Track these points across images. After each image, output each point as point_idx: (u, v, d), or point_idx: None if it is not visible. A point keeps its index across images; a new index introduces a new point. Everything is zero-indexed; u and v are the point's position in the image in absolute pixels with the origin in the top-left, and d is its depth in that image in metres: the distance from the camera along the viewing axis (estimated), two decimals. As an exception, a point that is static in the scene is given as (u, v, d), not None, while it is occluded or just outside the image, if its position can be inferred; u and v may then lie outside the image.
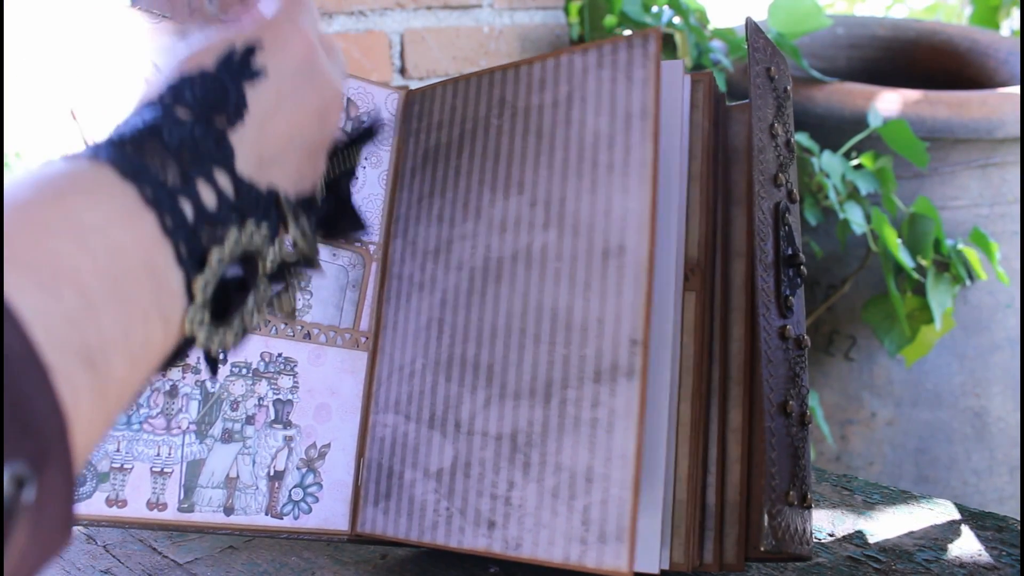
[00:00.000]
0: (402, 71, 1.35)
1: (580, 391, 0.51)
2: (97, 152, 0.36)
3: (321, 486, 0.60)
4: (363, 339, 0.62)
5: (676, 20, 1.46)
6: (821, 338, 1.50)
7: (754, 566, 0.59)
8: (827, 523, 0.65)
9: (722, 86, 1.42)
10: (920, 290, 1.37)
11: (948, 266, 1.38)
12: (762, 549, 0.47)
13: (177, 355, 0.38)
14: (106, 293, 0.31)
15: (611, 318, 0.51)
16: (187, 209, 0.37)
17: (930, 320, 1.35)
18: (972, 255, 1.39)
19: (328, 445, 0.61)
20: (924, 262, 1.35)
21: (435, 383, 0.57)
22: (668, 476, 0.52)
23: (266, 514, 0.59)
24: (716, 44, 1.53)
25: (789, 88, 0.58)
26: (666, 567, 0.51)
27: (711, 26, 1.53)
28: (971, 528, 0.64)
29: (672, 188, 0.54)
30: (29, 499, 0.26)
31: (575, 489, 0.50)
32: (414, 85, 1.35)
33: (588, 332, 0.51)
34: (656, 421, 0.51)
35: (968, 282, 1.42)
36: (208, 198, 0.38)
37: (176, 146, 0.38)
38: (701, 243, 0.54)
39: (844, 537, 0.63)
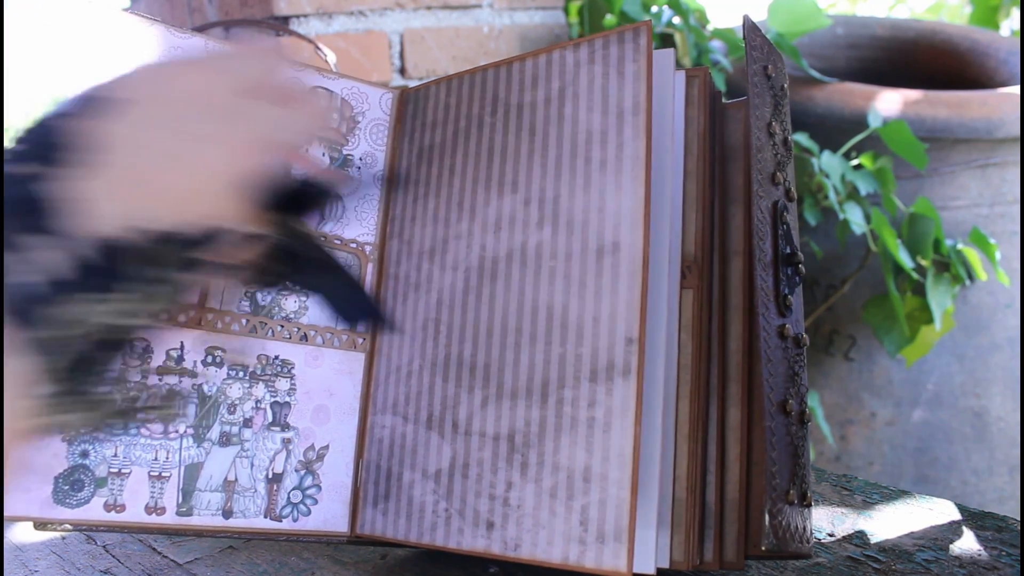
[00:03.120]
0: (402, 71, 1.35)
1: (577, 390, 0.51)
2: None
3: (320, 488, 0.60)
4: (360, 340, 0.62)
5: (676, 20, 1.46)
6: (821, 338, 1.50)
7: (754, 565, 0.59)
8: (827, 523, 0.65)
9: (721, 86, 1.42)
10: (920, 290, 1.36)
11: (948, 266, 1.38)
12: (763, 548, 0.47)
13: None
14: None
15: (606, 316, 0.51)
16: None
17: (930, 320, 1.35)
18: (972, 255, 1.39)
19: (326, 447, 0.61)
20: (924, 262, 1.35)
21: (432, 384, 0.57)
22: (667, 475, 0.52)
23: (265, 517, 0.59)
24: (716, 44, 1.53)
25: (786, 86, 0.57)
26: (666, 566, 0.51)
27: (711, 26, 1.53)
28: (971, 528, 0.64)
29: (666, 184, 0.54)
30: None
31: (573, 489, 0.50)
32: (414, 85, 1.34)
33: (584, 331, 0.51)
34: (653, 419, 0.51)
35: (968, 282, 1.42)
36: (52, 263, 0.38)
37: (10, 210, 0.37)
38: (698, 240, 0.54)
39: (844, 537, 0.63)
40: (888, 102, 1.40)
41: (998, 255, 1.38)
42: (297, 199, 0.46)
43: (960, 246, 1.39)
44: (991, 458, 1.48)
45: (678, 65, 0.57)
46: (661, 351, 0.52)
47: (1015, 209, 1.47)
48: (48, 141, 0.41)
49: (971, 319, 1.46)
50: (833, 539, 0.63)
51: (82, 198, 0.40)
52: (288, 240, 0.46)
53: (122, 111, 0.42)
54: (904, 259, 1.31)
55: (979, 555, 0.61)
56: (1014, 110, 1.40)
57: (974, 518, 0.66)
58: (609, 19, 1.47)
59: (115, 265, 0.40)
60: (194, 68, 0.45)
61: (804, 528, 0.51)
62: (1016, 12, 2.12)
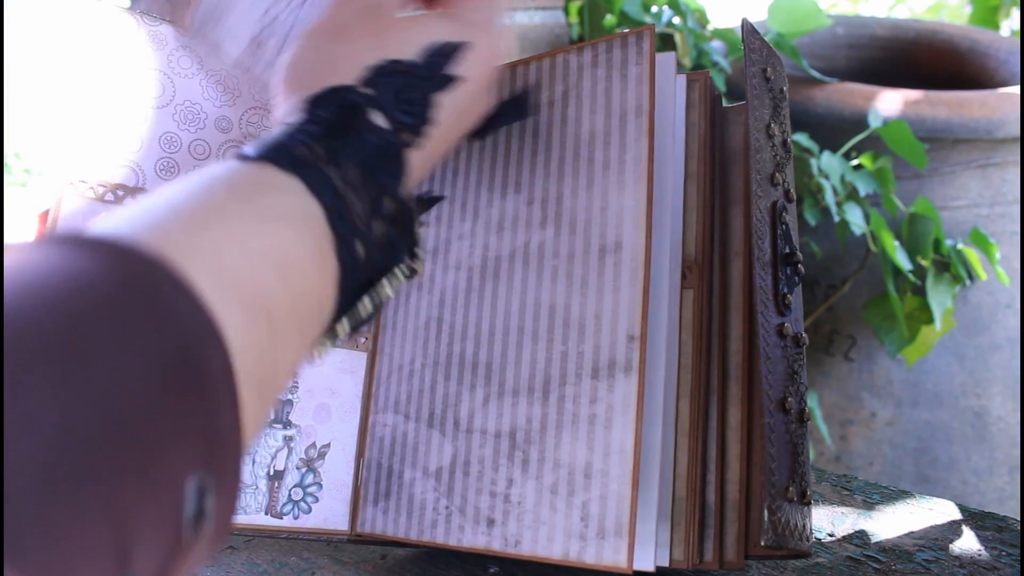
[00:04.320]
0: (402, 72, 1.34)
1: (578, 387, 0.51)
2: (313, 169, 0.36)
3: (321, 486, 0.60)
4: (362, 339, 0.62)
5: (675, 20, 1.46)
6: (821, 338, 1.50)
7: (754, 565, 0.59)
8: (827, 523, 0.65)
9: (721, 86, 1.42)
10: (920, 290, 1.37)
11: (948, 266, 1.38)
12: (762, 543, 0.47)
13: None
14: (289, 327, 0.32)
15: (608, 314, 0.51)
16: (359, 252, 0.37)
17: (930, 320, 1.35)
18: (972, 255, 1.39)
19: (328, 445, 0.61)
20: (924, 262, 1.35)
21: (434, 382, 0.57)
22: (667, 473, 0.52)
23: (266, 514, 0.59)
24: (715, 44, 1.53)
25: (785, 89, 0.58)
26: (666, 564, 0.51)
27: (710, 26, 1.54)
28: (971, 528, 0.64)
29: (668, 185, 0.54)
30: (210, 508, 0.26)
31: (574, 485, 0.50)
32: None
33: (586, 329, 0.51)
34: (654, 417, 0.51)
35: (968, 282, 1.42)
36: (377, 234, 0.39)
37: (368, 169, 0.38)
38: (698, 241, 0.54)
39: (844, 537, 0.63)
40: (888, 102, 1.41)
41: (998, 255, 1.39)
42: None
43: (960, 246, 1.39)
44: (991, 458, 1.48)
45: (679, 65, 0.58)
46: (662, 350, 0.52)
47: (1015, 209, 1.48)
48: (405, 99, 0.41)
49: (971, 319, 1.46)
50: (833, 539, 0.63)
51: (411, 167, 0.42)
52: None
53: (459, 90, 0.43)
54: (902, 261, 1.31)
55: (979, 555, 0.61)
56: (1014, 110, 1.41)
57: (974, 518, 0.66)
58: (609, 19, 1.47)
59: (410, 229, 0.41)
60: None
61: (804, 526, 0.52)
62: (1016, 12, 2.12)
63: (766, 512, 0.48)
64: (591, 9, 1.45)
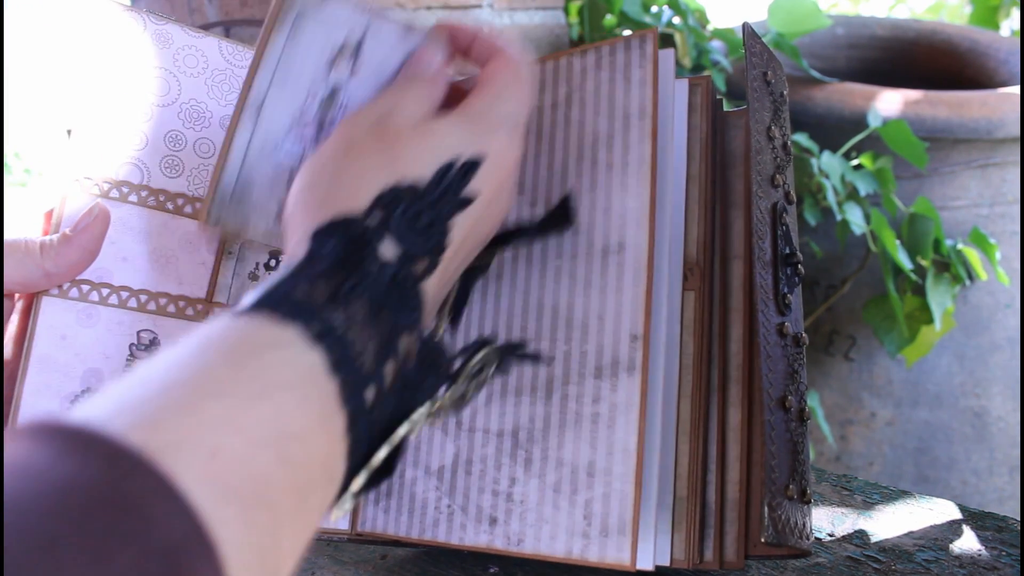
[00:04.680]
0: (402, 72, 1.35)
1: (581, 387, 0.51)
2: (310, 315, 0.33)
3: (322, 485, 0.60)
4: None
5: (676, 20, 1.46)
6: (821, 338, 1.50)
7: (754, 564, 0.59)
8: (827, 523, 0.65)
9: (721, 86, 1.43)
10: (920, 290, 1.37)
11: (948, 266, 1.38)
12: (763, 540, 0.48)
13: None
14: (292, 510, 0.30)
15: (611, 314, 0.51)
16: (369, 397, 0.34)
17: (930, 320, 1.35)
18: (972, 255, 1.39)
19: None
20: (924, 262, 1.35)
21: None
22: (668, 473, 0.52)
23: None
24: (715, 44, 1.53)
25: (785, 93, 0.58)
26: (667, 563, 0.52)
27: (710, 26, 1.54)
28: (971, 528, 0.64)
29: (670, 187, 0.54)
30: None
31: (577, 484, 0.50)
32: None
33: (589, 328, 0.52)
34: (656, 417, 0.52)
35: (968, 282, 1.42)
36: (388, 376, 0.35)
37: (378, 307, 0.36)
38: (700, 243, 0.55)
39: (844, 537, 0.63)
40: (888, 102, 1.41)
41: (998, 255, 1.39)
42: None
43: (960, 246, 1.39)
44: (991, 458, 1.48)
45: (678, 66, 0.58)
46: (664, 350, 0.53)
47: (1015, 209, 1.48)
48: (417, 227, 0.39)
49: (971, 319, 1.47)
50: (833, 539, 0.63)
51: (428, 295, 0.39)
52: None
53: (472, 208, 0.41)
54: (903, 260, 1.31)
55: (979, 555, 0.61)
56: (1014, 110, 1.41)
57: (974, 518, 0.66)
58: (609, 19, 1.47)
59: (436, 365, 0.39)
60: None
61: (804, 525, 0.52)
62: (1016, 12, 2.12)
63: (766, 509, 0.48)
64: (591, 9, 1.46)
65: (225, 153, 0.47)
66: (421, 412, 0.38)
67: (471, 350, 0.42)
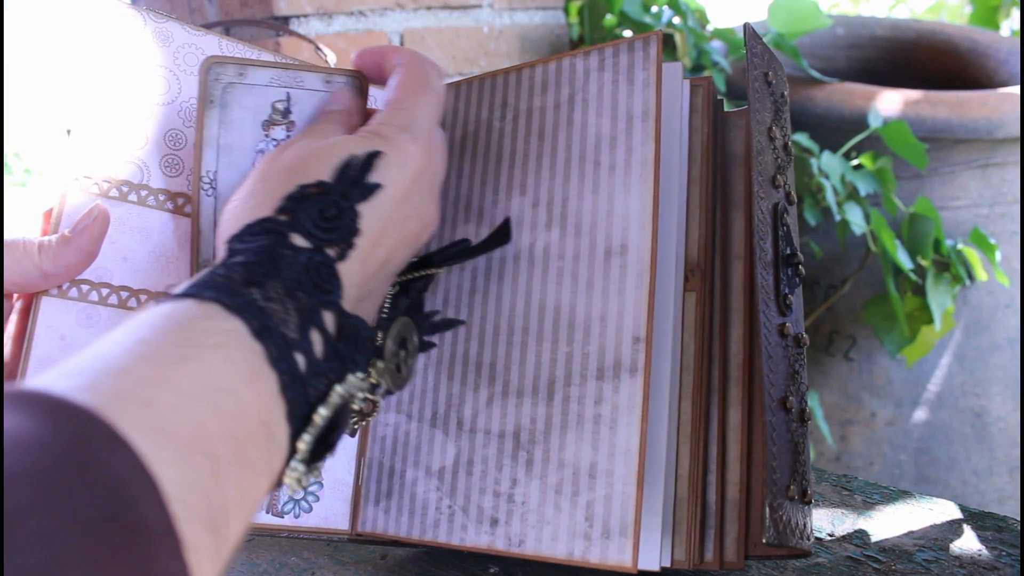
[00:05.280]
0: (402, 71, 1.35)
1: (583, 388, 0.51)
2: (228, 293, 0.37)
3: (322, 485, 0.60)
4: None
5: (676, 20, 1.46)
6: (821, 338, 1.50)
7: (754, 565, 0.59)
8: (827, 523, 0.65)
9: (721, 86, 1.43)
10: (920, 290, 1.37)
11: (948, 266, 1.38)
12: (763, 541, 0.48)
13: None
14: (231, 457, 0.33)
15: (614, 315, 0.51)
16: (300, 363, 0.38)
17: (930, 320, 1.35)
18: (972, 255, 1.39)
19: (329, 444, 0.61)
20: (924, 262, 1.35)
21: (437, 382, 0.57)
22: (669, 474, 0.52)
23: (267, 512, 0.59)
24: (715, 44, 1.53)
25: (786, 94, 0.58)
26: (667, 564, 0.52)
27: (710, 26, 1.54)
28: (971, 528, 0.64)
29: (673, 189, 0.54)
30: None
31: (578, 485, 0.50)
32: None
33: (591, 330, 0.52)
34: (657, 418, 0.52)
35: (968, 282, 1.42)
36: (317, 347, 0.39)
37: (294, 286, 0.39)
38: (701, 245, 0.55)
39: (844, 537, 0.63)
40: (888, 102, 1.41)
41: (998, 255, 1.39)
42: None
43: (960, 246, 1.39)
44: (991, 458, 1.48)
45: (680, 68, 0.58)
46: (667, 351, 0.53)
47: (1015, 209, 1.48)
48: (325, 217, 0.43)
49: (971, 319, 1.47)
50: (833, 539, 0.63)
51: (353, 284, 0.43)
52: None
53: (381, 197, 0.45)
54: (903, 260, 1.31)
55: (979, 555, 0.61)
56: (1014, 110, 1.41)
57: (974, 518, 0.66)
58: (609, 19, 1.47)
59: (356, 345, 0.42)
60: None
61: (804, 525, 0.52)
62: (1016, 12, 2.12)
63: (767, 510, 0.48)
64: (591, 9, 1.45)
65: (196, 231, 0.52)
66: (355, 380, 0.41)
67: (387, 324, 0.47)
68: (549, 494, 0.51)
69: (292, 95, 0.52)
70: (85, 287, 0.51)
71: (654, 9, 1.48)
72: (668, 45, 1.43)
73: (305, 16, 1.25)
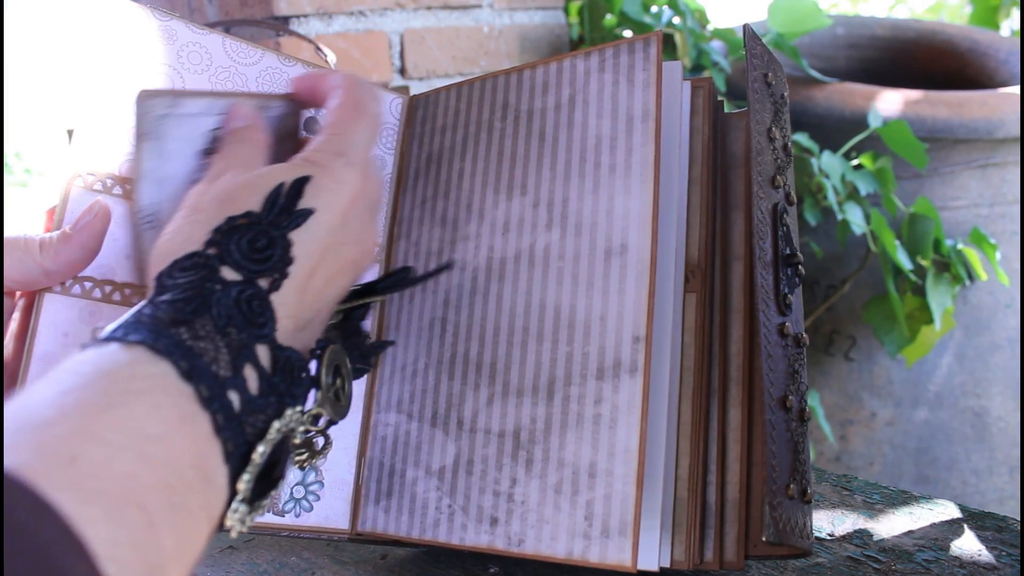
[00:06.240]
0: (402, 71, 1.35)
1: (583, 388, 0.51)
2: (155, 335, 0.36)
3: (322, 484, 0.60)
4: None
5: (675, 20, 1.46)
6: (821, 338, 1.50)
7: (753, 565, 0.59)
8: (827, 523, 0.65)
9: (721, 86, 1.43)
10: (920, 290, 1.37)
11: (948, 266, 1.39)
12: (764, 539, 0.48)
13: None
14: (165, 507, 0.32)
15: (614, 315, 0.51)
16: (235, 401, 0.37)
17: (930, 320, 1.35)
18: (972, 255, 1.39)
19: (329, 444, 0.61)
20: (924, 262, 1.35)
21: (438, 382, 0.57)
22: (669, 474, 0.52)
23: (268, 511, 0.59)
24: (715, 44, 1.53)
25: (786, 95, 0.58)
26: (667, 564, 0.52)
27: (710, 26, 1.54)
28: (971, 528, 0.64)
29: (673, 190, 0.54)
30: None
31: (578, 485, 0.50)
32: (414, 85, 1.35)
33: (591, 330, 0.52)
34: (657, 418, 0.52)
35: (968, 282, 1.42)
36: (252, 383, 0.38)
37: (225, 322, 0.38)
38: (701, 245, 0.55)
39: (844, 537, 0.63)
40: (888, 102, 1.41)
41: (998, 255, 1.39)
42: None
43: (960, 246, 1.39)
44: (991, 458, 1.48)
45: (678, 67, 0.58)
46: (666, 351, 0.53)
47: (1015, 209, 1.48)
48: (255, 247, 0.41)
49: (971, 319, 1.47)
50: (833, 539, 0.63)
51: (289, 315, 0.42)
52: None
53: (314, 223, 0.43)
54: (903, 261, 1.31)
55: (979, 555, 0.61)
56: (1014, 110, 1.41)
57: (974, 518, 0.66)
58: (609, 19, 1.47)
59: (293, 377, 0.41)
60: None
61: (804, 524, 0.52)
62: (1016, 12, 2.12)
63: (767, 508, 0.48)
64: (591, 9, 1.46)
65: (139, 268, 0.52)
66: (293, 414, 0.40)
67: (319, 353, 0.45)
68: (549, 493, 0.51)
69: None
70: (88, 284, 0.51)
71: (654, 9, 1.48)
72: (668, 45, 1.43)
73: (305, 16, 1.25)
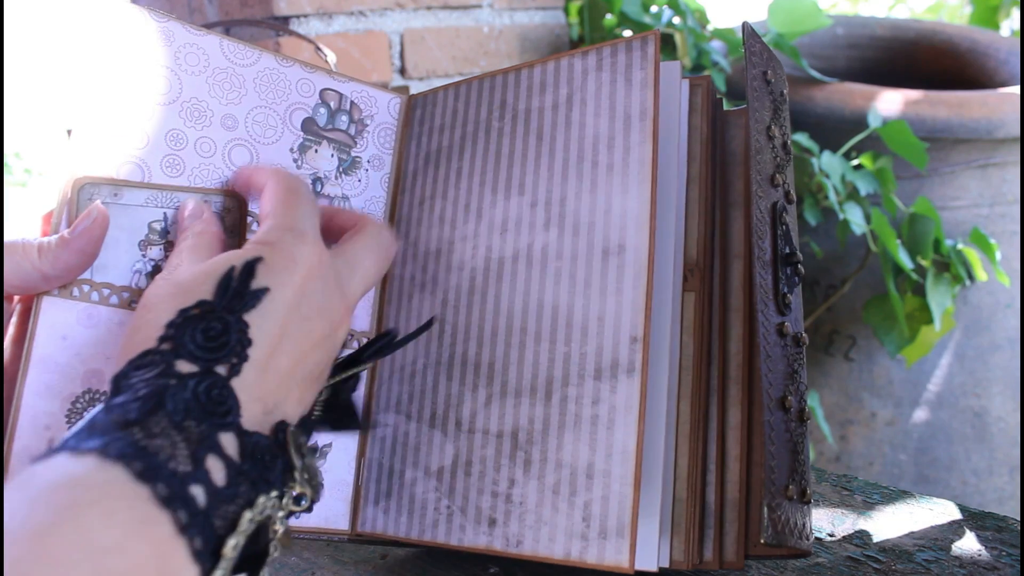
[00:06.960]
0: (402, 71, 1.35)
1: (581, 388, 0.51)
2: (106, 439, 0.35)
3: (323, 485, 0.60)
4: (364, 340, 0.62)
5: (675, 20, 1.46)
6: (821, 338, 1.50)
7: (753, 565, 0.59)
8: (827, 523, 0.65)
9: (721, 86, 1.43)
10: (920, 290, 1.37)
11: (948, 266, 1.38)
12: (762, 541, 0.48)
13: None
14: None
15: (611, 316, 0.51)
16: (199, 496, 0.36)
17: (930, 320, 1.35)
18: (972, 255, 1.39)
19: (329, 445, 0.61)
20: (924, 262, 1.35)
21: (436, 382, 0.57)
22: (668, 474, 0.52)
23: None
24: (715, 44, 1.53)
25: (785, 92, 0.58)
26: (666, 565, 0.51)
27: (710, 26, 1.54)
28: (971, 528, 0.64)
29: (671, 189, 0.54)
30: None
31: (576, 486, 0.50)
32: (414, 85, 1.35)
33: (589, 330, 0.52)
34: (656, 418, 0.51)
35: (968, 282, 1.42)
36: (217, 474, 0.37)
37: (182, 417, 0.37)
38: (700, 244, 0.55)
39: (844, 537, 0.63)
40: (888, 102, 1.41)
41: (998, 255, 1.39)
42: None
43: (960, 246, 1.39)
44: (991, 458, 1.48)
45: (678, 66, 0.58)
46: (664, 351, 0.53)
47: (1015, 209, 1.48)
48: (209, 336, 0.41)
49: (971, 319, 1.47)
50: (833, 539, 0.63)
51: (254, 398, 0.41)
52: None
53: (270, 302, 0.43)
54: (904, 260, 1.31)
55: (979, 555, 0.61)
56: (1014, 110, 1.41)
57: (974, 518, 0.66)
58: (609, 19, 1.47)
59: (264, 462, 0.40)
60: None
61: (804, 525, 0.52)
62: (1016, 12, 2.12)
63: (766, 510, 0.48)
64: (591, 9, 1.46)
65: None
66: (266, 501, 0.39)
67: (281, 437, 0.43)
68: (547, 494, 0.51)
69: (169, 215, 0.52)
70: (86, 287, 0.51)
71: (654, 9, 1.48)
72: (668, 45, 1.43)
73: (305, 16, 1.25)
